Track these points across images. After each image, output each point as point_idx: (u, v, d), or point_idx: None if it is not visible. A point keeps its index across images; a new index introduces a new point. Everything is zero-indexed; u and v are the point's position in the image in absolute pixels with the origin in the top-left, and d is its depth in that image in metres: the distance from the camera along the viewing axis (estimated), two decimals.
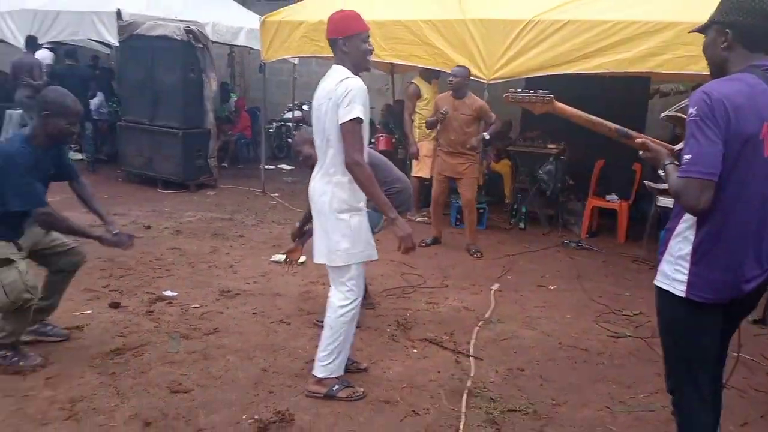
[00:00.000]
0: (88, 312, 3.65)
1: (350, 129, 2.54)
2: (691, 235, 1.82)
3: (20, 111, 8.91)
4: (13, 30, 8.64)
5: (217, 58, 7.53)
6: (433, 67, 5.80)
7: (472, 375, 3.15)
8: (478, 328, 3.75)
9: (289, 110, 9.88)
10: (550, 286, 4.64)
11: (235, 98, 10.16)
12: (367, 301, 3.94)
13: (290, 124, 9.69)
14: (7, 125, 9.48)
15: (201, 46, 6.99)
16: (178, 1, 8.17)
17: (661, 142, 1.99)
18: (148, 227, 5.67)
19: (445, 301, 4.22)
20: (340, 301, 2.76)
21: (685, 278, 1.83)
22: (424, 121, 6.10)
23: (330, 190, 2.67)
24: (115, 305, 3.76)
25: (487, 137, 5.28)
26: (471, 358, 3.34)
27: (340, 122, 2.54)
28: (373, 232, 3.15)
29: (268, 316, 3.79)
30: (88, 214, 3.35)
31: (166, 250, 5.03)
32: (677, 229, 1.88)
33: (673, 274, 1.86)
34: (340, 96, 2.53)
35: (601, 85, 6.45)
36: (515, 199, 6.59)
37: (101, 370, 2.96)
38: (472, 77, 5.19)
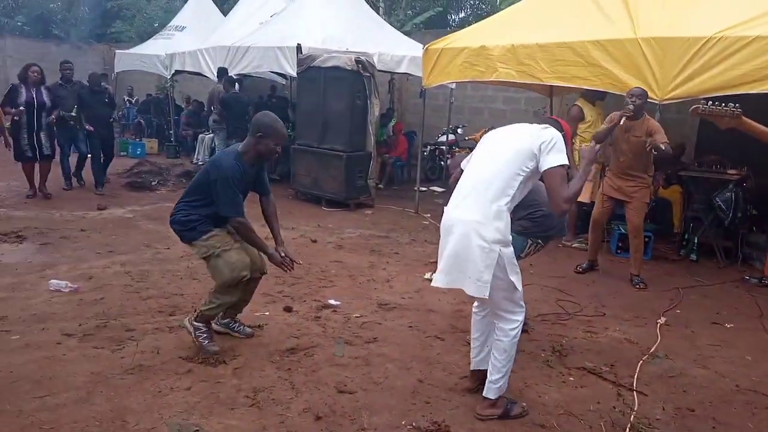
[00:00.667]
0: (266, 313, 4.08)
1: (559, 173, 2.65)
2: None
3: (210, 134, 10.24)
4: (209, 64, 9.98)
5: (380, 85, 7.99)
6: (598, 89, 5.63)
7: (635, 409, 3.01)
8: (642, 361, 3.55)
9: (443, 134, 10.13)
10: (726, 324, 4.24)
11: (394, 123, 10.65)
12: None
13: (444, 147, 9.92)
14: (199, 146, 10.93)
15: (368, 74, 7.49)
16: (350, 34, 8.82)
17: None
18: (314, 241, 6.15)
19: (605, 331, 4.05)
20: (509, 324, 2.79)
21: None
22: (586, 144, 5.94)
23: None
24: (288, 309, 4.17)
25: (664, 149, 4.82)
26: (635, 392, 3.18)
27: (549, 167, 2.63)
28: (519, 257, 3.21)
29: (423, 331, 3.93)
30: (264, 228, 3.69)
31: (329, 262, 5.43)
32: None
33: None
34: (546, 141, 2.66)
35: None
36: (686, 228, 6.10)
37: (279, 365, 3.31)
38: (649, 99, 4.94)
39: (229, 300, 3.40)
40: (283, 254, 3.46)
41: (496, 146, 2.82)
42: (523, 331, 3.83)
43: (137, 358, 3.31)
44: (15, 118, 7.00)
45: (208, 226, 3.31)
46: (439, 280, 2.80)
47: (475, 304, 3.04)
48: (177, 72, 11.61)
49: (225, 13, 13.32)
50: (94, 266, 4.95)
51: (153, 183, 8.87)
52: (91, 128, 7.79)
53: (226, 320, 3.64)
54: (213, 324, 3.58)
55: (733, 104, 2.11)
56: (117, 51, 14.53)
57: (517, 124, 2.90)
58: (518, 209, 3.58)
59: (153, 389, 2.99)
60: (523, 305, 2.83)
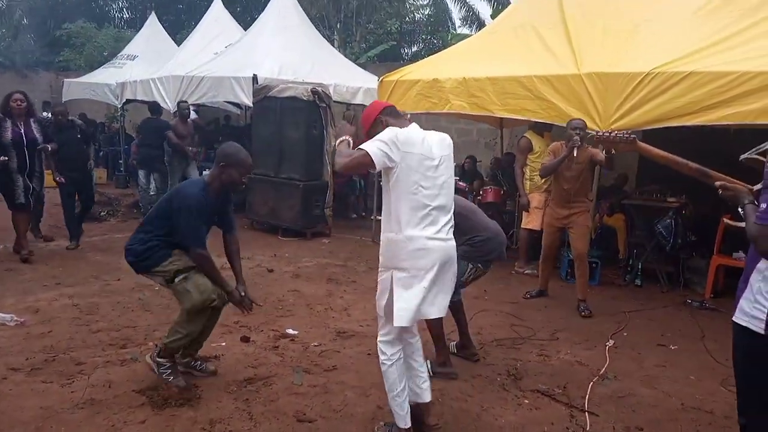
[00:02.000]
0: (223, 344, 4.02)
1: None
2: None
3: None
4: (162, 94, 9.88)
5: (336, 116, 8.10)
6: (545, 121, 5.89)
7: (587, 430, 3.10)
8: (593, 383, 3.68)
9: None
10: (671, 346, 4.43)
11: None
12: (469, 351, 4.01)
13: None
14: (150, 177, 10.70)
15: (324, 105, 7.60)
16: (306, 65, 8.95)
17: (741, 183, 2.06)
18: (271, 270, 6.11)
19: (557, 354, 4.17)
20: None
21: (764, 316, 1.91)
22: (535, 174, 6.17)
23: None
24: (245, 339, 4.12)
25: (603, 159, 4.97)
26: (586, 413, 3.28)
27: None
28: (460, 281, 3.43)
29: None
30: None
31: (287, 291, 5.40)
32: (757, 267, 1.96)
33: (752, 311, 1.95)
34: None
35: (724, 139, 6.19)
36: (630, 254, 6.37)
37: (236, 395, 3.26)
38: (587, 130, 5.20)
39: (194, 329, 3.28)
40: (242, 293, 3.41)
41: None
42: (475, 358, 3.94)
43: (88, 392, 3.20)
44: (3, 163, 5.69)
45: (168, 250, 3.24)
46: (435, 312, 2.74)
47: (397, 348, 2.82)
48: (128, 101, 11.43)
49: (179, 42, 13.29)
50: (41, 299, 4.77)
51: (102, 214, 8.64)
52: (62, 179, 6.36)
53: (186, 359, 3.51)
54: None
55: (626, 131, 2.40)
56: (65, 79, 14.21)
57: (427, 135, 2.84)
58: (459, 234, 3.70)
59: (106, 424, 2.90)
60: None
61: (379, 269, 2.74)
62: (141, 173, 8.80)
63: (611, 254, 6.76)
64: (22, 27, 20.95)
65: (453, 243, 2.78)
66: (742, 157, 2.18)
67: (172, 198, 3.24)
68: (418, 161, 2.61)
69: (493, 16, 14.04)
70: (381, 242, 2.74)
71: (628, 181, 7.33)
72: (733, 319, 2.03)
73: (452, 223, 2.78)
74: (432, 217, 2.66)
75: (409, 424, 2.77)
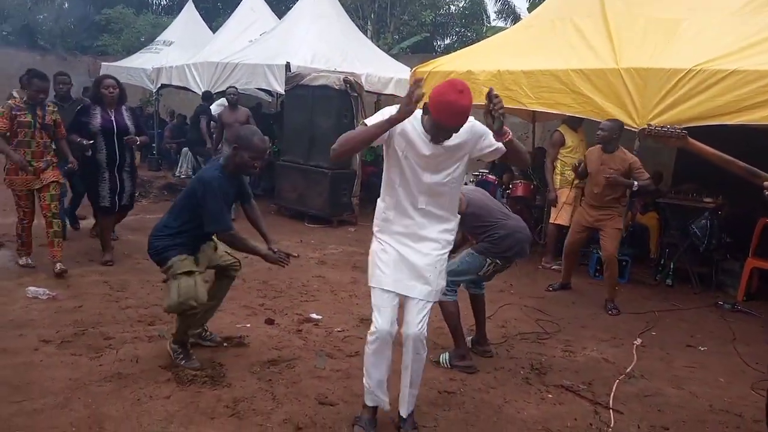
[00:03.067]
0: (248, 326, 4.07)
1: None
2: None
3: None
4: (197, 80, 10.01)
5: (366, 106, 8.09)
6: (580, 116, 5.78)
7: (611, 427, 3.05)
8: (618, 381, 3.61)
9: None
10: (700, 347, 4.33)
11: None
12: (483, 348, 3.93)
13: None
14: (182, 160, 10.92)
15: (355, 94, 7.59)
16: (338, 54, 8.95)
17: None
18: (297, 256, 6.10)
19: (583, 351, 4.11)
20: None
21: None
22: (567, 168, 6.08)
23: None
24: (270, 322, 4.16)
25: (635, 188, 5.03)
26: (611, 411, 3.23)
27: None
28: (478, 275, 3.59)
29: (404, 346, 3.94)
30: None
31: (312, 277, 5.43)
32: None
33: None
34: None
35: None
36: (662, 253, 6.23)
37: (260, 376, 3.30)
38: (625, 127, 5.10)
39: (186, 328, 3.32)
40: (276, 251, 3.43)
41: None
42: (488, 354, 3.89)
43: (116, 366, 3.27)
44: (87, 151, 5.10)
45: (180, 252, 3.25)
46: None
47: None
48: (163, 86, 11.61)
49: (214, 30, 13.43)
50: (72, 275, 4.89)
51: (135, 195, 8.79)
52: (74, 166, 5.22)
53: (197, 330, 3.60)
54: None
55: (679, 127, 2.33)
56: (103, 63, 14.50)
57: None
58: (476, 229, 3.66)
59: (132, 397, 2.96)
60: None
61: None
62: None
63: (643, 253, 6.63)
64: (63, 11, 21.44)
65: None
66: None
67: (196, 187, 3.24)
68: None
69: (529, 10, 13.82)
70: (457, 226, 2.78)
71: (662, 179, 7.17)
72: None
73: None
74: None
75: None
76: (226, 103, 7.95)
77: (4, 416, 2.69)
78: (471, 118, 2.56)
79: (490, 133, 2.51)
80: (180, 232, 3.28)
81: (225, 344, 3.69)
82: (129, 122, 5.25)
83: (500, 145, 2.53)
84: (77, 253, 5.53)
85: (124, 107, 5.28)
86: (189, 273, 3.22)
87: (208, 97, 9.32)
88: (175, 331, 3.35)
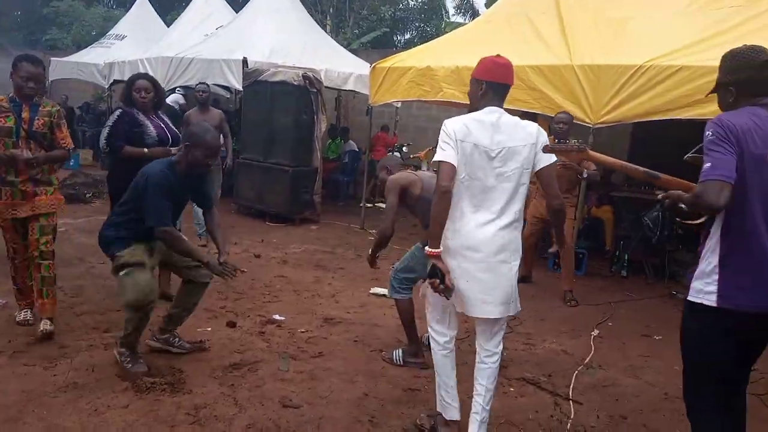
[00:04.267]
0: (208, 329, 3.99)
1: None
2: (717, 250, 2.07)
3: None
4: (151, 74, 9.73)
5: (327, 102, 8.05)
6: (535, 111, 5.88)
7: (571, 418, 3.13)
8: (577, 372, 3.70)
9: (389, 152, 10.26)
10: (655, 336, 4.48)
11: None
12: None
13: None
14: None
15: (315, 90, 7.53)
16: (297, 49, 8.84)
17: (686, 182, 2.19)
18: (258, 256, 6.08)
19: (543, 344, 4.20)
20: (500, 347, 2.78)
21: (715, 289, 2.06)
22: None
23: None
24: (231, 325, 4.09)
25: (584, 176, 5.13)
26: (571, 402, 3.31)
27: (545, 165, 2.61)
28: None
29: (368, 345, 3.95)
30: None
31: (273, 277, 5.38)
32: (705, 248, 2.12)
33: (705, 287, 2.09)
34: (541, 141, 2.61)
35: None
36: (617, 245, 6.42)
37: (221, 381, 3.24)
38: (576, 121, 5.21)
39: (139, 327, 3.22)
40: (221, 262, 3.32)
41: None
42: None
43: (71, 376, 3.17)
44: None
45: (128, 240, 3.18)
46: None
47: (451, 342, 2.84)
48: (115, 81, 11.26)
49: (168, 23, 13.08)
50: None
51: (87, 195, 8.55)
52: None
53: (165, 336, 3.53)
54: (150, 341, 3.51)
55: (576, 140, 2.47)
56: (52, 58, 13.96)
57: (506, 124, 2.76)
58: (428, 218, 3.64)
59: (88, 408, 2.87)
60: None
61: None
62: None
63: (598, 245, 6.81)
64: (10, 4, 20.54)
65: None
66: (686, 156, 2.39)
67: (139, 180, 3.18)
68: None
69: (487, 6, 13.97)
70: None
71: (614, 173, 7.35)
72: (688, 298, 2.18)
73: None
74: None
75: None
76: (181, 100, 7.76)
77: None
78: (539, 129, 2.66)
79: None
80: (125, 224, 3.22)
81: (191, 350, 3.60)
82: (168, 130, 4.25)
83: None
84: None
85: (160, 111, 4.36)
86: (141, 265, 3.13)
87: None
88: (124, 332, 3.22)
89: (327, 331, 4.16)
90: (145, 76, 4.35)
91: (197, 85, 6.85)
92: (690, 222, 2.28)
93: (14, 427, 2.67)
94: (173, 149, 3.94)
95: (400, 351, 3.70)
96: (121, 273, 3.15)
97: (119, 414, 2.84)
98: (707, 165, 1.96)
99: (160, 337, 3.53)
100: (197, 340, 3.71)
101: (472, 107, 2.71)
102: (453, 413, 2.80)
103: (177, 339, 3.57)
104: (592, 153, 2.36)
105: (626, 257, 6.13)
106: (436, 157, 2.55)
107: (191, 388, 3.15)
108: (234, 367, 3.42)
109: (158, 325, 3.56)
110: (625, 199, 6.45)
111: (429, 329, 2.88)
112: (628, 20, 5.69)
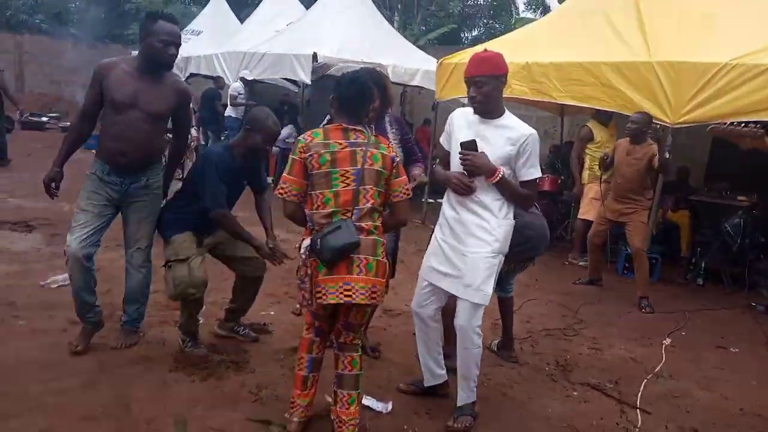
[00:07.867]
0: (272, 313, 4.08)
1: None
2: None
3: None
4: (225, 69, 10.07)
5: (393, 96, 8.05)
6: (611, 109, 5.67)
7: (638, 426, 2.99)
8: (646, 380, 3.54)
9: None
10: (731, 349, 4.23)
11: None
12: (508, 353, 3.73)
13: None
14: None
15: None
16: (366, 45, 8.88)
17: None
18: (293, 259, 6.08)
19: (610, 349, 4.04)
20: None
21: None
22: (595, 163, 5.98)
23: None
24: (297, 313, 4.15)
25: (656, 165, 4.90)
26: (638, 410, 3.17)
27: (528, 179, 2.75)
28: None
29: None
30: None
31: None
32: None
33: None
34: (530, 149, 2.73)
35: None
36: (694, 252, 6.10)
37: (283, 363, 3.31)
38: (655, 121, 5.00)
39: (191, 317, 3.27)
40: (271, 246, 3.35)
41: None
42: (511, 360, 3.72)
43: (143, 349, 3.32)
44: None
45: (178, 231, 3.22)
46: None
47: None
48: (191, 75, 11.71)
49: (242, 20, 13.48)
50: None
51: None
52: None
53: (230, 324, 3.61)
54: (217, 329, 3.62)
55: (754, 124, 2.17)
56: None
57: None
58: None
59: (157, 380, 2.99)
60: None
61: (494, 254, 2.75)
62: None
63: (673, 251, 6.50)
64: (95, 0, 21.73)
65: None
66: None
67: (198, 162, 3.24)
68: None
69: (560, 2, 13.60)
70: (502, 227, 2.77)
71: (689, 174, 6.99)
72: None
73: None
74: None
75: None
76: (241, 90, 8.09)
77: (34, 394, 2.75)
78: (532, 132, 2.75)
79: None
80: (183, 208, 3.26)
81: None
82: None
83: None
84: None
85: None
86: (183, 260, 3.14)
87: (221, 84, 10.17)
88: (180, 320, 3.31)
89: (386, 322, 4.17)
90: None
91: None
92: None
93: (88, 393, 2.82)
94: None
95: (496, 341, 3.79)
96: (164, 267, 3.21)
97: (186, 388, 2.94)
98: None
99: (226, 325, 3.61)
100: (261, 323, 3.80)
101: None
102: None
103: (242, 328, 3.63)
104: None
105: (703, 265, 5.82)
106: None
107: (255, 368, 3.23)
108: (296, 351, 3.45)
109: (223, 316, 3.64)
110: (705, 204, 6.12)
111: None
112: (712, 16, 5.39)
